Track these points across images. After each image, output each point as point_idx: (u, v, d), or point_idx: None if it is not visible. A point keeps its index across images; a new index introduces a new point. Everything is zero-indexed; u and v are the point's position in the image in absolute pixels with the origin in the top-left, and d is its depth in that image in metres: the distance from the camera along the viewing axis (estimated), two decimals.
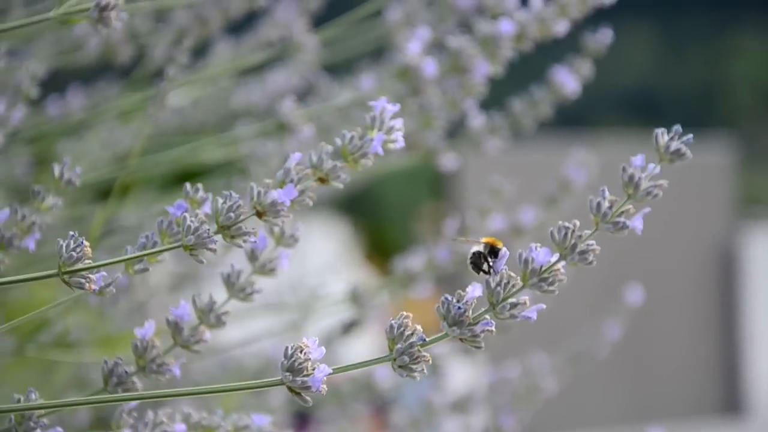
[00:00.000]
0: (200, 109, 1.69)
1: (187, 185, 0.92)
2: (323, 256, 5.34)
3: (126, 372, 0.97)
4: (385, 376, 1.60)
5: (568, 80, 1.42)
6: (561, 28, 1.28)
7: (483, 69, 1.26)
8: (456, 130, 1.49)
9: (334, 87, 1.51)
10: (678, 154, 0.83)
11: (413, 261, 1.46)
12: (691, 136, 0.84)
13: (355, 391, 1.69)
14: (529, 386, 1.70)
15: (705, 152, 6.39)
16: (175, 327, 0.99)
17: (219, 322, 1.00)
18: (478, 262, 0.92)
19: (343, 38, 1.58)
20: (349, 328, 1.61)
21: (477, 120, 1.44)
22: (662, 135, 0.84)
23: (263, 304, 1.74)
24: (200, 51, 1.61)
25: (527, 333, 2.84)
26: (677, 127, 0.84)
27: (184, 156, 1.45)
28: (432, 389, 1.69)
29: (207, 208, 0.92)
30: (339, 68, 1.62)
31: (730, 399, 6.20)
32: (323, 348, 0.86)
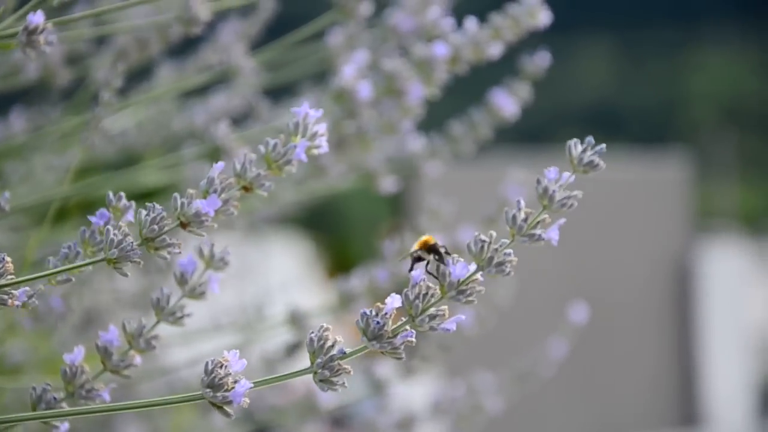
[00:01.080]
0: (144, 133, 1.69)
1: (110, 193, 0.91)
2: (286, 273, 5.33)
3: (54, 398, 0.97)
4: (327, 397, 1.60)
5: (507, 103, 1.44)
6: (495, 50, 1.29)
7: (418, 91, 1.27)
8: (398, 154, 1.50)
9: (275, 110, 1.52)
10: (591, 165, 0.84)
11: (354, 282, 1.46)
12: (603, 146, 0.84)
13: (301, 412, 1.70)
14: (473, 405, 1.71)
15: (662, 167, 6.43)
16: (105, 352, 0.99)
17: (149, 347, 0.99)
18: (422, 264, 0.91)
19: (286, 62, 1.58)
20: (293, 349, 1.61)
21: (416, 143, 1.45)
22: (575, 146, 0.84)
23: (215, 324, 1.74)
24: (143, 74, 1.61)
25: (479, 350, 2.85)
26: (590, 139, 0.85)
27: (124, 179, 1.45)
28: (377, 408, 1.69)
29: (130, 216, 0.92)
30: (284, 91, 1.63)
31: (687, 412, 6.23)
32: (244, 361, 0.86)
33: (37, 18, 0.97)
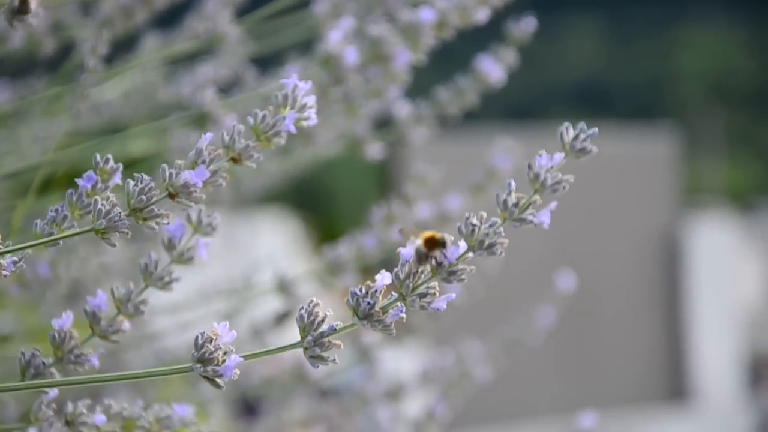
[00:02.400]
0: (131, 103, 1.68)
1: (96, 155, 0.91)
2: (274, 250, 5.33)
3: (44, 363, 0.96)
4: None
5: (493, 69, 1.43)
6: (482, 15, 1.29)
7: (404, 57, 1.27)
8: (385, 121, 1.50)
9: (261, 78, 1.51)
10: (584, 151, 0.84)
11: (341, 250, 1.46)
12: (595, 130, 0.84)
13: (291, 382, 1.70)
14: (461, 374, 1.71)
15: (650, 143, 6.44)
16: (93, 317, 0.99)
17: (137, 312, 0.99)
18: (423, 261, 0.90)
19: (273, 30, 1.58)
20: (281, 318, 1.61)
21: (402, 109, 1.44)
22: (567, 131, 0.84)
23: (202, 294, 1.74)
24: (129, 44, 1.61)
25: (467, 320, 2.85)
26: (582, 124, 0.85)
27: (111, 148, 1.45)
28: (365, 378, 1.70)
29: (117, 179, 0.91)
30: (270, 60, 1.62)
31: (675, 386, 6.25)
32: (234, 332, 0.86)
33: None
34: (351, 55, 1.26)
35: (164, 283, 1.01)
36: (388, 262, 1.50)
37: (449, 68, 1.83)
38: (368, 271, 1.54)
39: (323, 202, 12.57)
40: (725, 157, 16.79)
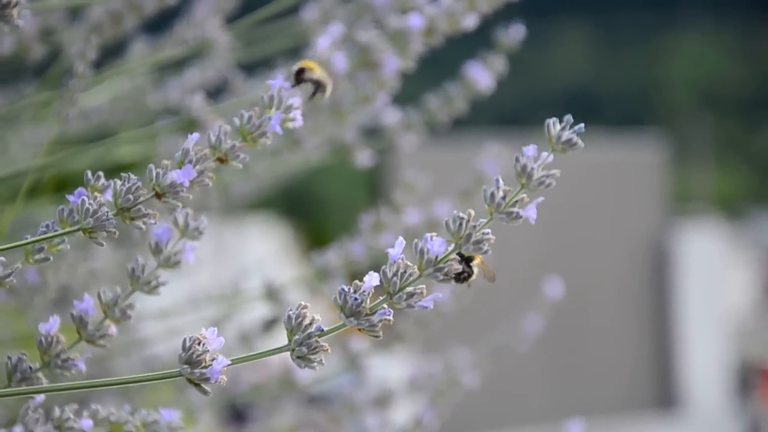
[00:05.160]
0: (119, 108, 1.68)
1: (88, 172, 0.91)
2: (263, 256, 5.33)
3: (30, 368, 0.96)
4: (305, 372, 1.60)
5: (482, 76, 1.43)
6: (470, 22, 1.29)
7: (393, 63, 1.27)
8: (374, 128, 1.50)
9: (250, 83, 1.52)
10: (569, 143, 0.84)
11: (330, 256, 1.46)
12: (582, 125, 0.84)
13: (279, 388, 1.70)
14: (450, 381, 1.71)
15: (639, 150, 6.45)
16: (80, 321, 0.98)
17: (124, 316, 0.99)
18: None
19: (262, 37, 1.58)
20: (270, 325, 1.61)
21: (391, 116, 1.45)
22: (554, 125, 0.84)
23: (191, 301, 1.74)
24: (117, 50, 1.61)
25: (455, 327, 2.86)
26: (568, 117, 0.85)
27: (100, 153, 1.45)
28: (353, 385, 1.70)
29: (108, 195, 0.92)
30: (259, 66, 1.63)
31: (664, 394, 6.26)
32: (222, 339, 0.86)
33: None
34: (340, 62, 1.26)
35: (151, 288, 1.01)
36: (377, 268, 1.50)
37: (438, 73, 1.84)
38: (357, 278, 1.54)
39: (312, 208, 12.58)
40: (714, 165, 16.83)
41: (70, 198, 0.90)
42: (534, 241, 5.77)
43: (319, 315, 0.87)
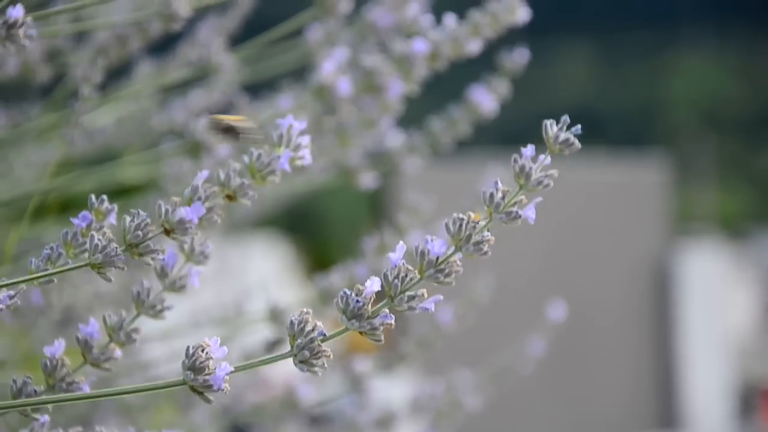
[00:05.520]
0: (124, 130, 1.69)
1: (92, 196, 0.92)
2: (265, 275, 5.33)
3: (35, 390, 0.97)
4: (308, 391, 1.61)
5: (486, 99, 1.44)
6: (474, 47, 1.30)
7: (397, 87, 1.28)
8: (377, 151, 1.50)
9: (255, 106, 1.52)
10: (567, 143, 0.85)
11: (333, 278, 1.46)
12: (578, 126, 0.85)
13: (281, 408, 1.70)
14: (452, 402, 1.71)
15: (641, 170, 6.46)
16: (85, 345, 0.99)
17: (129, 340, 1.00)
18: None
19: (266, 58, 1.59)
20: (273, 346, 1.61)
21: (395, 139, 1.45)
22: (551, 126, 0.85)
23: (194, 321, 1.74)
24: (123, 72, 1.61)
25: (458, 349, 2.86)
26: (565, 117, 0.86)
27: (105, 175, 1.45)
28: (356, 406, 1.70)
29: (112, 219, 0.92)
30: (263, 88, 1.63)
31: (666, 414, 6.25)
32: (225, 348, 0.86)
33: (17, 11, 0.97)
34: (344, 86, 1.27)
35: (156, 312, 1.01)
36: (381, 292, 1.51)
37: (443, 93, 1.84)
38: None
39: (315, 226, 12.58)
40: (716, 185, 16.83)
41: (75, 221, 0.91)
42: (536, 260, 5.77)
43: (320, 322, 0.87)
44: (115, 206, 0.93)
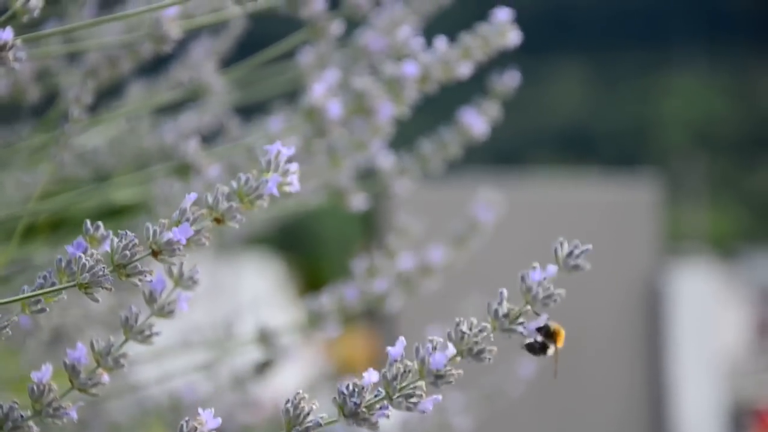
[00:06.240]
0: (115, 152, 1.69)
1: (87, 222, 0.92)
2: (257, 294, 5.33)
3: (22, 416, 0.96)
4: None
5: (476, 121, 1.44)
6: (465, 70, 1.30)
7: (388, 110, 1.28)
8: (368, 172, 1.51)
9: (246, 128, 1.52)
10: (576, 268, 0.88)
11: (323, 300, 1.46)
12: (589, 246, 0.87)
13: (271, 429, 1.69)
14: (441, 424, 1.71)
15: (633, 189, 6.46)
16: (72, 370, 0.98)
17: (117, 365, 0.99)
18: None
19: (257, 80, 1.59)
20: (263, 368, 1.60)
21: (386, 161, 1.45)
22: (560, 247, 0.87)
23: (184, 342, 1.74)
24: (113, 93, 1.61)
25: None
26: (577, 243, 0.87)
27: (94, 196, 1.45)
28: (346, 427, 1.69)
29: (107, 246, 0.92)
30: (254, 109, 1.63)
31: None
32: (219, 419, 0.87)
33: (6, 34, 0.97)
34: (334, 109, 1.27)
35: (145, 337, 1.01)
36: (371, 313, 1.51)
37: (434, 113, 1.84)
38: (350, 321, 1.54)
39: (307, 244, 12.57)
40: (707, 204, 16.87)
41: (69, 249, 0.91)
42: None
43: (316, 403, 0.87)
44: (110, 233, 0.92)
